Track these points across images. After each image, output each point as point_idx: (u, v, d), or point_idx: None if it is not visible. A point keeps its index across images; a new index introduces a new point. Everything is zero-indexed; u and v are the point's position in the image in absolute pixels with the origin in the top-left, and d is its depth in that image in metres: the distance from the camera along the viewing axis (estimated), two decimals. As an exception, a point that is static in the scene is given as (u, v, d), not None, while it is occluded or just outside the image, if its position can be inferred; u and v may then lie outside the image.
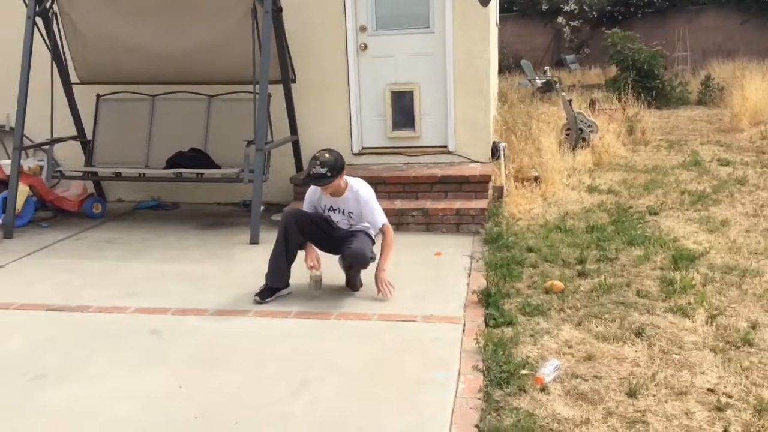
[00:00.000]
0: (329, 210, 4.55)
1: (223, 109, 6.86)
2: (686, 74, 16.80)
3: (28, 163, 6.70)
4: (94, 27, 6.59)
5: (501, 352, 3.56)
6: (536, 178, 7.28)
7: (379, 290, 4.43)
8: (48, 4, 6.50)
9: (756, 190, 7.02)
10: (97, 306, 4.50)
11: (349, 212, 4.50)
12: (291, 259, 4.51)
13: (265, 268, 4.52)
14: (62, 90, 6.84)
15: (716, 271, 4.80)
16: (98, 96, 7.04)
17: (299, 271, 4.57)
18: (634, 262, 5.06)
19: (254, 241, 5.77)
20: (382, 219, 4.50)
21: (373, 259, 4.47)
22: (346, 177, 4.49)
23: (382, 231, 4.51)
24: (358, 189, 4.49)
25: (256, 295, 4.47)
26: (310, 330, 4.08)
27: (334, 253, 4.62)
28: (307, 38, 6.82)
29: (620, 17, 20.48)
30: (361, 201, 4.45)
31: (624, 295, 4.43)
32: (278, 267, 4.49)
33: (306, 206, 4.62)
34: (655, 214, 6.31)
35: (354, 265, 4.51)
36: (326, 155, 4.31)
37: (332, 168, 4.28)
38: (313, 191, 4.58)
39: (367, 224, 4.53)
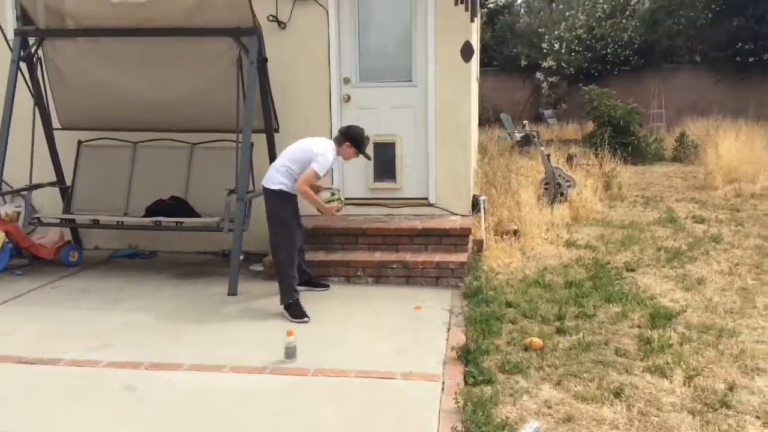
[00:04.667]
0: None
1: (205, 157, 6.86)
2: (661, 131, 17.15)
3: (6, 208, 6.63)
4: (79, 74, 6.61)
5: (480, 413, 3.53)
6: (515, 232, 7.33)
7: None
8: (33, 50, 6.53)
9: (731, 248, 7.10)
10: (70, 359, 4.40)
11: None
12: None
13: (243, 321, 4.49)
14: (43, 135, 6.81)
15: (693, 330, 4.83)
16: (80, 142, 7.02)
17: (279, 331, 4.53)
18: (612, 319, 5.08)
19: (233, 292, 5.67)
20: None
21: None
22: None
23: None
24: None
25: (304, 317, 5.07)
26: (286, 387, 4.02)
27: None
28: (291, 89, 6.89)
29: (596, 74, 20.97)
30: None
31: (602, 354, 4.43)
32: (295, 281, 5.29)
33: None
34: (632, 270, 6.36)
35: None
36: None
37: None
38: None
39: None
